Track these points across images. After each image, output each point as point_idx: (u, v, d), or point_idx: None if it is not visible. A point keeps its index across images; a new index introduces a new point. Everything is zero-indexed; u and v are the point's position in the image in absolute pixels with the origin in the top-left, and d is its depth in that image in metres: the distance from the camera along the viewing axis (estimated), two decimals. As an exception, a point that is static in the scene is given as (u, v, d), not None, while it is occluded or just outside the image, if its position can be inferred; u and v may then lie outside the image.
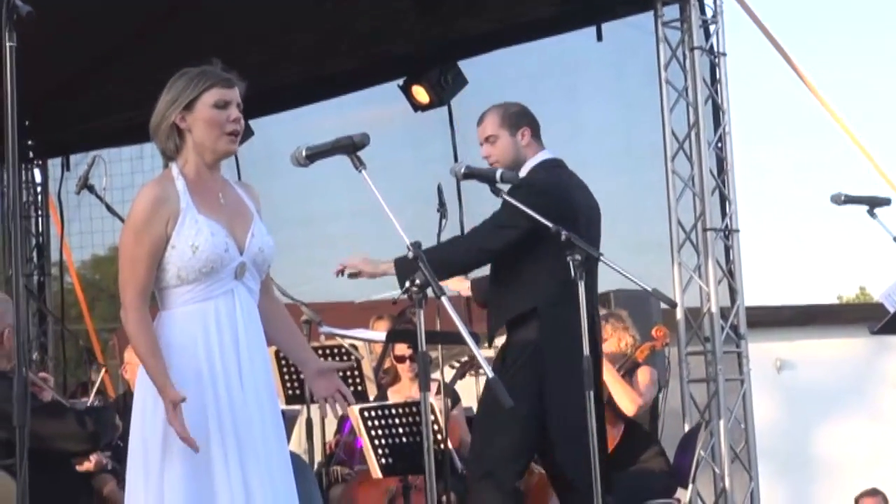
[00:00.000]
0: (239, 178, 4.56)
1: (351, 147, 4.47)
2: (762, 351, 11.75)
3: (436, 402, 7.15)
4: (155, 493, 4.16)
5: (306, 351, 4.66)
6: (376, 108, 10.78)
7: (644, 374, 7.34)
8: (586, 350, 5.34)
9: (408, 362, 7.77)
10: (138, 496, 4.20)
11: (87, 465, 6.57)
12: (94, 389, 8.43)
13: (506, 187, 5.62)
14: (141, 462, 4.21)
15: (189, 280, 4.21)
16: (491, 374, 4.15)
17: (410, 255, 4.31)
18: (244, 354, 4.24)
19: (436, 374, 7.71)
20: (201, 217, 4.22)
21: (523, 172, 6.08)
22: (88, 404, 7.44)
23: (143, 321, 4.20)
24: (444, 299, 4.25)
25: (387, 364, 8.30)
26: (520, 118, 6.20)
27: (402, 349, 7.81)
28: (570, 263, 5.26)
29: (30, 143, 11.77)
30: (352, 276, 5.88)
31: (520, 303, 5.93)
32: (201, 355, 4.20)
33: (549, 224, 5.36)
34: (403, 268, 5.76)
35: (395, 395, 7.74)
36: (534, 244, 5.70)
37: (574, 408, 5.57)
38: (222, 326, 4.22)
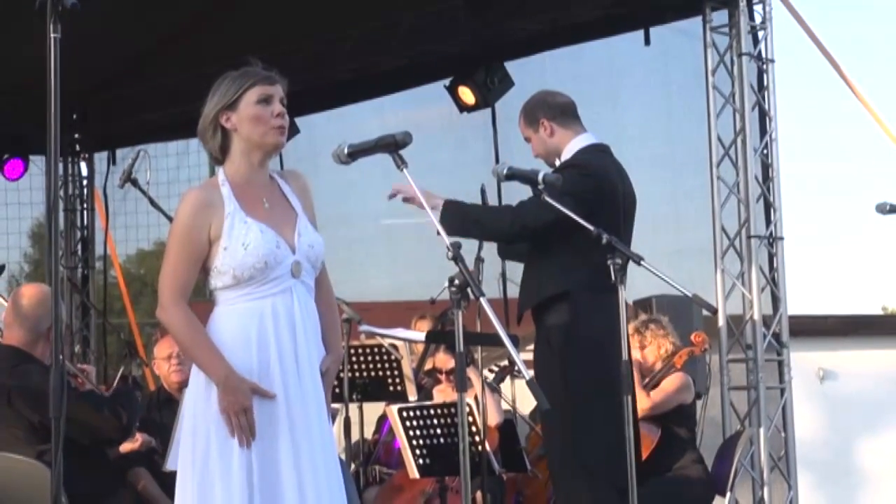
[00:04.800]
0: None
1: (393, 145, 4.46)
2: (805, 360, 11.67)
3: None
4: (202, 489, 4.18)
5: (328, 347, 4.53)
6: (417, 110, 10.79)
7: (669, 380, 7.25)
8: (625, 354, 5.31)
9: (444, 374, 7.78)
10: (185, 491, 4.23)
11: (133, 445, 6.55)
12: (117, 379, 8.48)
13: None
14: (189, 458, 4.24)
15: (245, 278, 4.23)
16: (528, 377, 4.12)
17: (450, 255, 4.29)
18: (302, 352, 4.26)
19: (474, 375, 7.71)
20: (250, 219, 4.26)
21: (565, 156, 6.01)
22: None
23: (184, 316, 4.24)
24: (483, 301, 4.24)
25: (428, 366, 8.31)
26: (535, 112, 6.09)
27: (443, 362, 7.80)
28: (611, 267, 5.23)
29: (76, 136, 11.83)
30: (406, 200, 5.47)
31: (553, 285, 5.86)
32: (254, 352, 4.22)
33: (591, 227, 5.32)
34: (450, 213, 5.66)
35: (440, 396, 7.76)
36: (573, 228, 5.54)
37: (600, 397, 5.59)
38: (280, 324, 4.24)
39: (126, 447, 6.42)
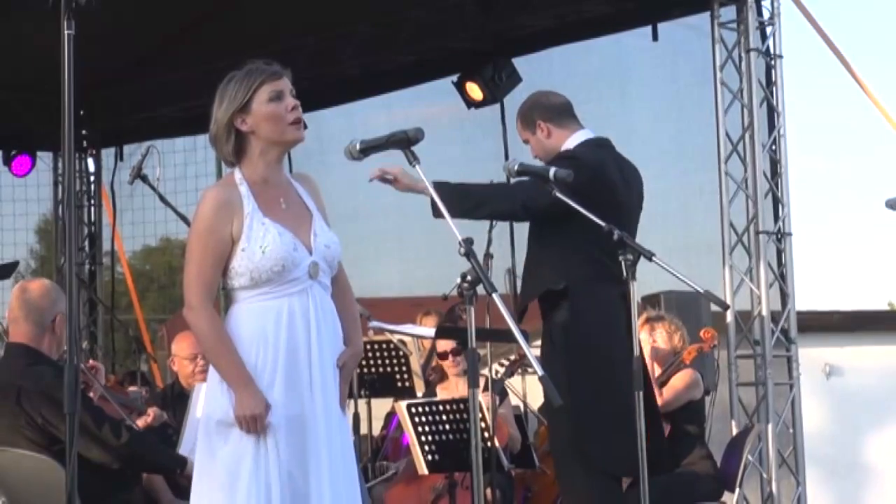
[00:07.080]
0: (290, 171, 4.54)
1: (405, 142, 4.46)
2: (811, 356, 11.66)
3: (484, 399, 7.15)
4: (217, 484, 4.19)
5: (346, 340, 4.49)
6: (425, 106, 10.79)
7: (678, 378, 7.24)
8: (637, 350, 5.30)
9: (450, 357, 7.76)
10: (202, 485, 4.24)
11: (146, 421, 6.46)
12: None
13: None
14: (206, 449, 4.25)
15: (262, 281, 4.23)
16: (541, 372, 4.12)
17: (461, 250, 4.29)
18: (315, 352, 4.25)
19: (484, 371, 7.71)
20: (267, 220, 4.26)
21: None
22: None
23: (211, 319, 4.24)
24: (495, 296, 4.23)
25: (435, 361, 8.30)
26: (531, 113, 6.10)
27: (443, 346, 7.79)
28: (623, 263, 5.22)
29: (84, 132, 11.84)
30: (384, 180, 5.47)
31: (551, 279, 5.85)
32: (269, 350, 4.22)
33: (602, 223, 5.31)
34: (443, 195, 5.08)
35: (443, 393, 7.73)
36: (571, 219, 5.55)
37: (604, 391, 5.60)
38: (295, 323, 4.24)
39: (141, 423, 6.33)
